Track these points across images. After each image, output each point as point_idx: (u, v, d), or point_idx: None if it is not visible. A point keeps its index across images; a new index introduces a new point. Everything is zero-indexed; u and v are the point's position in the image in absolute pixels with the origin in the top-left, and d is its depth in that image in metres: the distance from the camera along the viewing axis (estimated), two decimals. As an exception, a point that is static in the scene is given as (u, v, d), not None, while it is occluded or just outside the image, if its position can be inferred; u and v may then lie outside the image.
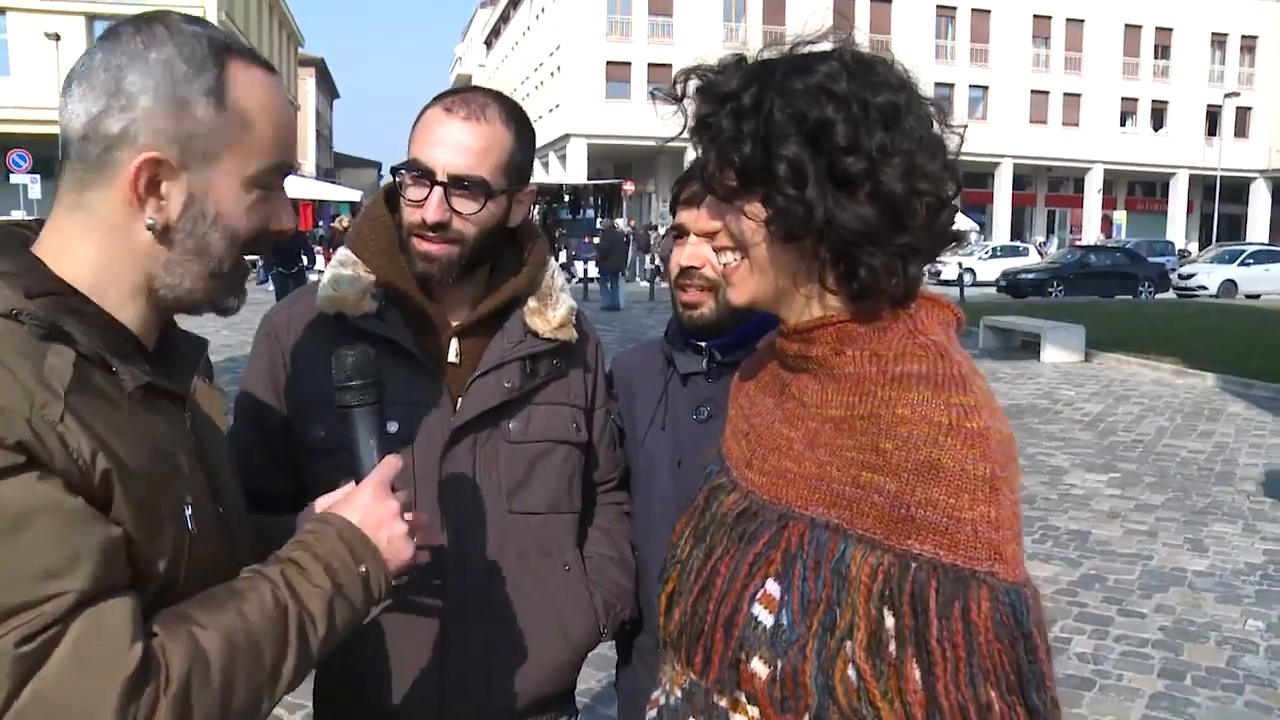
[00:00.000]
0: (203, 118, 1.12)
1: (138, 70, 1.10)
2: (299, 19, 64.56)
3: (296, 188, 34.89)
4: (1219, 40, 56.49)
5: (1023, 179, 56.36)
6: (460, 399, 1.75)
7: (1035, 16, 53.45)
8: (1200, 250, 44.48)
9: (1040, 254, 39.39)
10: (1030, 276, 30.51)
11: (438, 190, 1.65)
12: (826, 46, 1.22)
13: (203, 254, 1.17)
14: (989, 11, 52.86)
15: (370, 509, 1.28)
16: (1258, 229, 55.73)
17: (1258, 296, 32.30)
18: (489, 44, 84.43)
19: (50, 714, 0.93)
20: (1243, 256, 34.12)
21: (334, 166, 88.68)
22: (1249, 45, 57.58)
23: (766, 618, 1.16)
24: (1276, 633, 5.34)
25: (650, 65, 48.04)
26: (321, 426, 1.69)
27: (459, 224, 1.68)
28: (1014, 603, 1.06)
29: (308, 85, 72.89)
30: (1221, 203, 51.00)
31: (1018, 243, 44.05)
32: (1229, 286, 32.35)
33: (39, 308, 1.05)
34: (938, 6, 52.36)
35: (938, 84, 51.90)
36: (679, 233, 1.90)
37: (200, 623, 1.05)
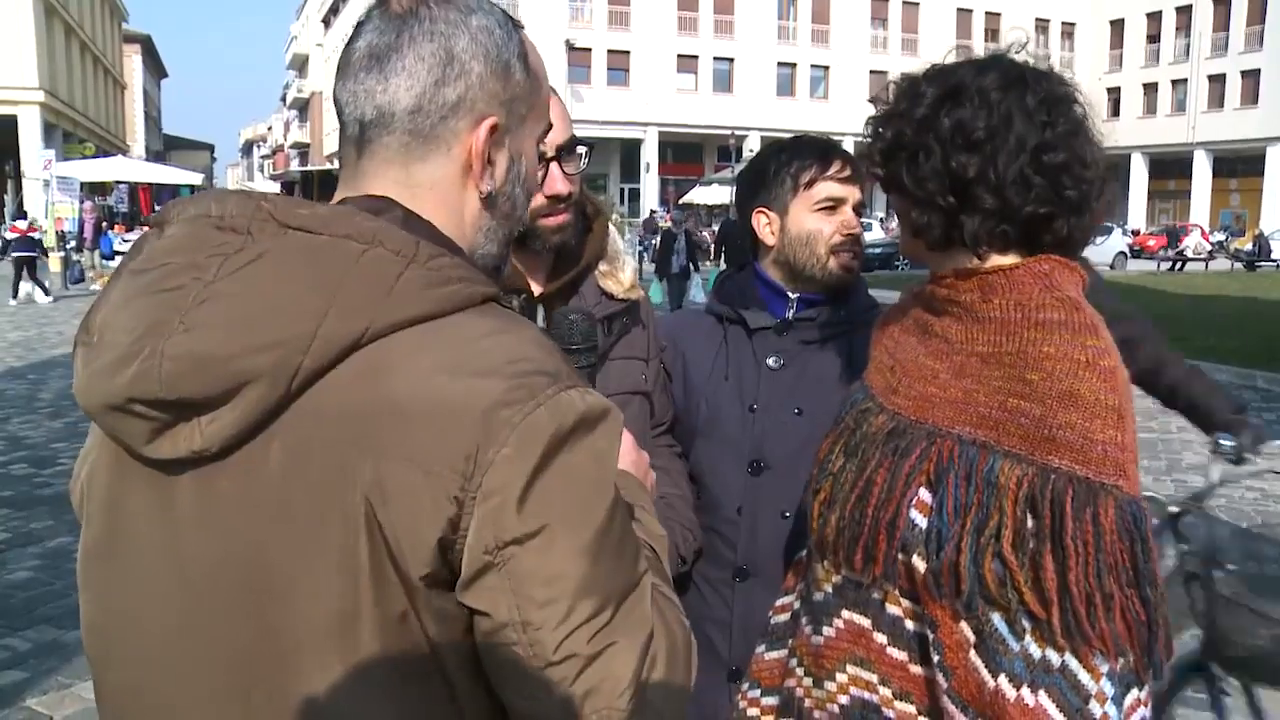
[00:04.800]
0: (519, 80, 1.13)
1: (466, 38, 1.09)
2: (122, -7, 61.36)
3: (132, 171, 33.25)
4: (1042, 25, 59.34)
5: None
6: None
7: (873, -1, 55.16)
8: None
9: (884, 230, 40.74)
10: (877, 251, 31.16)
11: (555, 165, 1.74)
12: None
13: (511, 218, 1.18)
14: (829, -6, 54.26)
15: (636, 461, 1.34)
16: (1080, 204, 58.84)
17: (1087, 267, 34.09)
18: (327, 22, 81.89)
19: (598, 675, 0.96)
20: (1073, 230, 35.91)
21: (164, 149, 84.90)
22: (1069, 31, 60.78)
23: (922, 520, 1.37)
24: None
25: (497, 44, 47.42)
26: None
27: (571, 185, 1.77)
28: (1134, 512, 1.26)
29: (133, 63, 69.44)
30: (1048, 180, 53.44)
31: (863, 219, 45.34)
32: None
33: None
34: (779, -12, 53.43)
35: (780, 64, 53.19)
36: (835, 204, 2.08)
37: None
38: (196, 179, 36.07)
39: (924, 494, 1.38)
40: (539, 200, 1.75)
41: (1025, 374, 1.34)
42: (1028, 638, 1.26)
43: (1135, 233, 43.68)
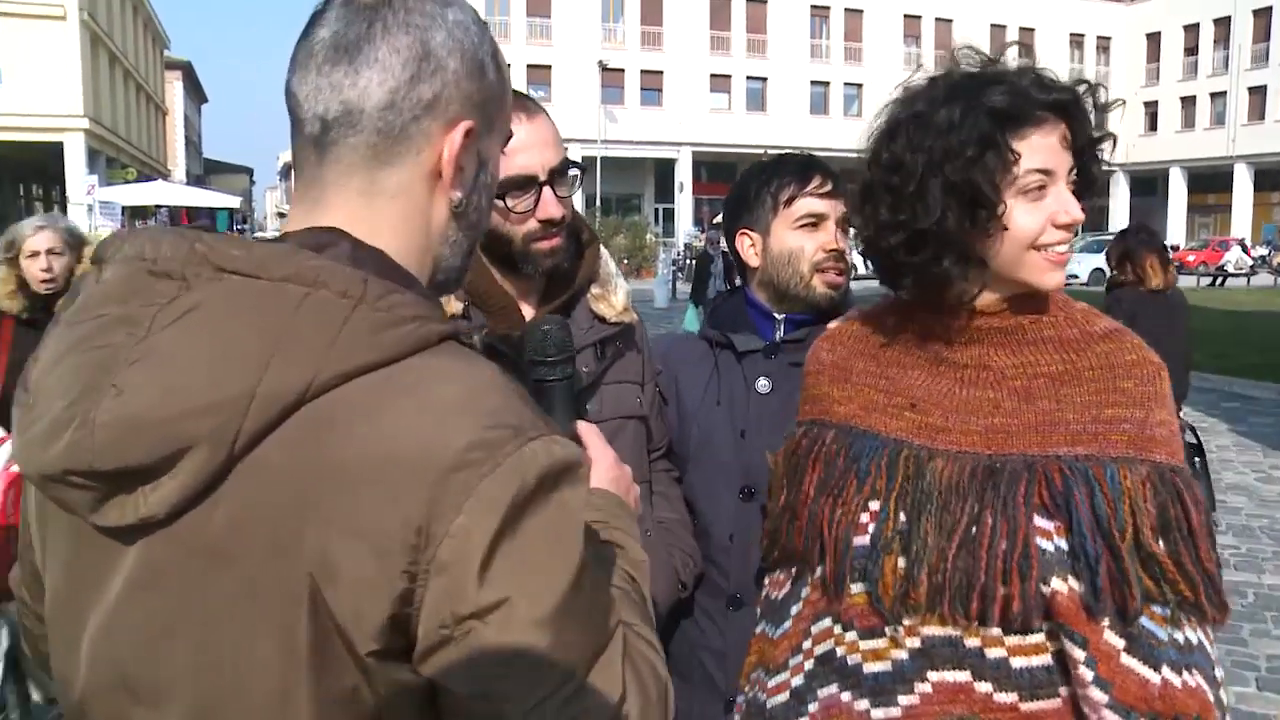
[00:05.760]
0: (492, 81, 1.06)
1: (442, 32, 1.01)
2: (164, 20, 62.43)
3: (172, 195, 33.77)
4: (1077, 40, 59.00)
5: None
6: None
7: (906, 16, 55.03)
8: (1068, 241, 46.26)
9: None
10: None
11: (547, 189, 1.72)
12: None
13: (476, 228, 1.11)
14: (861, 11, 54.25)
15: (619, 478, 1.30)
16: (1118, 220, 58.24)
17: (1124, 284, 33.72)
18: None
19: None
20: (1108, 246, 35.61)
21: (204, 173, 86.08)
22: (1104, 45, 60.30)
23: (1049, 545, 1.37)
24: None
25: (529, 67, 47.84)
26: None
27: (564, 209, 1.76)
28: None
29: (175, 89, 70.52)
30: (1085, 195, 53.02)
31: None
32: (1098, 275, 33.77)
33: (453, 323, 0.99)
34: (812, 6, 53.49)
35: (814, 82, 53.20)
36: (816, 221, 2.06)
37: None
38: (234, 202, 36.50)
39: (1039, 520, 1.38)
40: (532, 224, 1.73)
41: (1118, 383, 1.41)
42: (1169, 625, 1.33)
43: (1174, 248, 43.11)
